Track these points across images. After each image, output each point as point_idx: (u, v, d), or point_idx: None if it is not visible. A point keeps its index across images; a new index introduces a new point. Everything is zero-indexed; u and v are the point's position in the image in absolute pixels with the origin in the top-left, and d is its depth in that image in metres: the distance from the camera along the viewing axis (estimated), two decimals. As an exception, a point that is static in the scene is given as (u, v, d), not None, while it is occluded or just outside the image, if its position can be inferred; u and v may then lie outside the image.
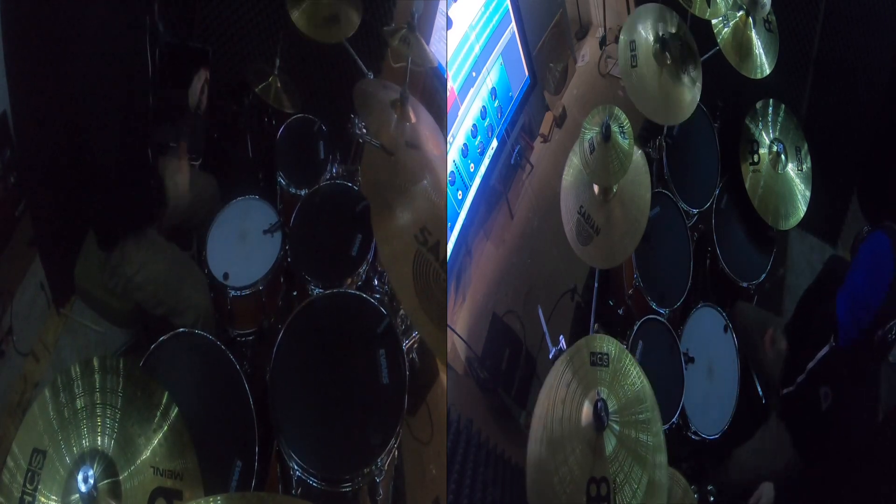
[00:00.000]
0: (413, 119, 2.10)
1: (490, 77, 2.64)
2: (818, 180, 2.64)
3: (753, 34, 2.51)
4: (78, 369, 1.36)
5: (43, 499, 1.26)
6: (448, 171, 2.36)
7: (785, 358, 2.37)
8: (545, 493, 1.32)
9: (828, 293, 2.21)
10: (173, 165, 2.16)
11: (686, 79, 2.37)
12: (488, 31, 2.62)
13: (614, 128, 2.05)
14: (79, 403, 1.33)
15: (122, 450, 1.32)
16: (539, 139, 2.96)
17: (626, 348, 2.10)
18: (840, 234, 3.07)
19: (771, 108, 2.71)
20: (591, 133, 2.08)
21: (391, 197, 1.74)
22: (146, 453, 1.34)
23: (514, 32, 2.81)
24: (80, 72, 1.86)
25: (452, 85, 2.40)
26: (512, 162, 2.79)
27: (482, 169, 2.63)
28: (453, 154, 2.43)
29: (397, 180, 1.85)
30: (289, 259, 2.32)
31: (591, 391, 1.41)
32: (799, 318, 2.50)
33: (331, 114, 2.76)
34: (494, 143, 2.70)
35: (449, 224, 2.22)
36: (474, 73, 2.53)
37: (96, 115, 1.87)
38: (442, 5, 2.65)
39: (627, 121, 2.07)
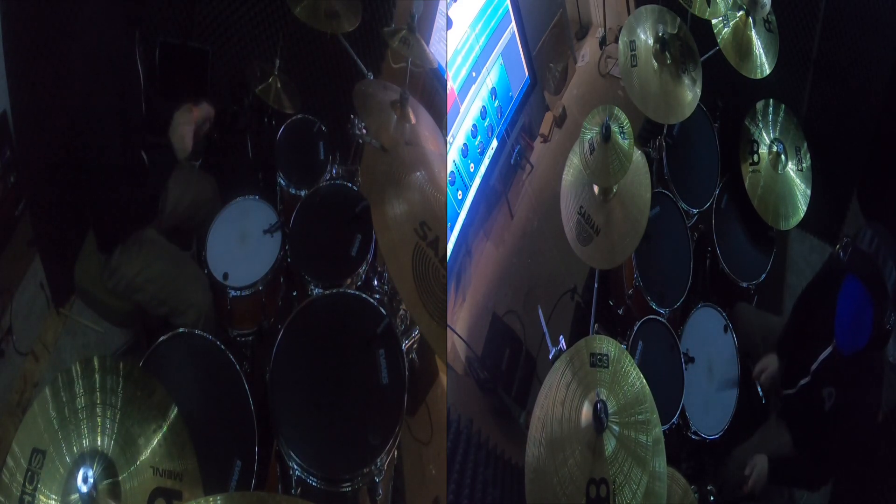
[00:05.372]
0: (413, 120, 2.10)
1: (490, 77, 2.64)
2: (818, 180, 2.64)
3: (753, 34, 2.50)
4: (78, 369, 1.35)
5: (43, 498, 1.26)
6: (448, 171, 2.36)
7: (787, 357, 2.38)
8: (545, 495, 1.32)
9: (827, 294, 2.22)
10: (183, 121, 2.11)
11: (686, 79, 2.37)
12: (488, 31, 2.62)
13: (614, 128, 2.05)
14: (79, 403, 1.33)
15: (121, 450, 1.32)
16: (539, 139, 2.96)
17: (626, 348, 2.11)
18: (840, 234, 3.06)
19: (771, 108, 2.71)
20: (591, 133, 2.09)
21: (388, 188, 1.75)
22: (146, 453, 1.34)
23: (514, 32, 2.81)
24: (78, 72, 1.87)
25: (452, 85, 2.40)
26: (512, 162, 2.79)
27: (482, 169, 2.64)
28: (453, 154, 2.43)
29: (394, 172, 1.85)
30: (289, 259, 2.32)
31: (591, 392, 1.41)
32: (798, 319, 2.49)
33: (331, 114, 2.76)
34: (494, 143, 2.70)
35: (449, 224, 2.22)
36: (474, 73, 2.53)
37: (91, 115, 1.87)
38: (442, 5, 2.65)
39: (627, 121, 2.07)
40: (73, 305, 2.29)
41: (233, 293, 2.25)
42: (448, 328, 2.21)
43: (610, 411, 1.39)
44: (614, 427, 1.39)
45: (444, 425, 2.15)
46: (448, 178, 2.37)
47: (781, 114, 2.70)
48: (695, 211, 2.68)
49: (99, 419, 1.33)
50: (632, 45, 2.33)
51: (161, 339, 1.89)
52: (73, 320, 2.29)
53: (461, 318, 2.41)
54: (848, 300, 2.11)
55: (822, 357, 2.17)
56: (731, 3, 2.49)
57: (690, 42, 2.41)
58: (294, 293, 2.40)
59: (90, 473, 1.24)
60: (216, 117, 2.46)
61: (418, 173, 1.82)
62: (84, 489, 1.23)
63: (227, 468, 1.72)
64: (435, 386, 2.30)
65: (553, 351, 1.73)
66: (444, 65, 2.47)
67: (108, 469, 1.30)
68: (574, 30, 3.23)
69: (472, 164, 2.57)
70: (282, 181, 2.57)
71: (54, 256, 2.24)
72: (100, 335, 2.29)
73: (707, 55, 2.48)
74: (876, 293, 2.04)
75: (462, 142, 2.49)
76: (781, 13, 2.64)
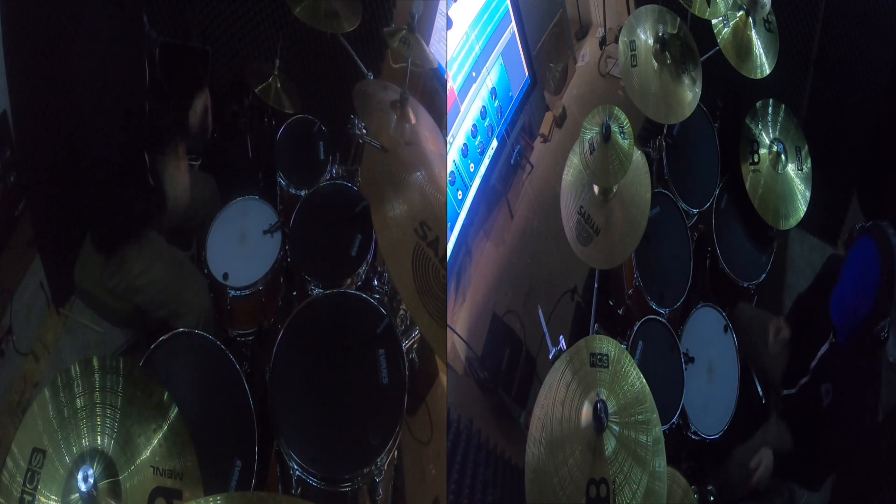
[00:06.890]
0: (413, 120, 2.10)
1: (490, 77, 2.64)
2: (818, 180, 2.64)
3: (753, 34, 2.50)
4: (78, 369, 1.36)
5: (43, 498, 1.26)
6: (448, 171, 2.36)
7: (787, 355, 2.37)
8: (545, 495, 1.32)
9: (826, 293, 2.22)
10: (173, 167, 2.16)
11: (686, 79, 2.37)
12: (488, 31, 2.62)
13: (614, 128, 2.05)
14: (79, 403, 1.33)
15: (121, 449, 1.33)
16: (539, 139, 2.96)
17: (626, 348, 2.11)
18: (840, 234, 3.06)
19: (771, 108, 2.71)
20: (591, 133, 2.09)
21: (388, 188, 1.75)
22: (146, 453, 1.34)
23: (514, 32, 2.81)
24: (79, 72, 1.87)
25: (452, 85, 2.40)
26: (512, 162, 2.79)
27: (482, 169, 2.64)
28: (453, 154, 2.43)
29: (393, 172, 1.85)
30: (289, 259, 2.32)
31: (591, 392, 1.41)
32: (797, 317, 2.50)
33: (331, 114, 2.76)
34: (494, 143, 2.70)
35: (449, 224, 2.22)
36: (474, 73, 2.53)
37: (94, 115, 1.87)
38: (442, 5, 2.65)
39: (627, 121, 2.07)
40: (73, 305, 2.29)
41: (233, 293, 2.25)
42: (448, 328, 2.21)
43: (610, 411, 1.39)
44: (614, 427, 1.39)
45: (444, 425, 2.15)
46: (448, 178, 2.37)
47: (781, 114, 2.70)
48: (695, 211, 2.67)
49: (99, 419, 1.33)
50: (632, 45, 2.33)
51: (161, 339, 1.88)
52: (73, 320, 2.29)
53: (461, 318, 2.41)
54: (857, 258, 2.08)
55: (820, 353, 2.17)
56: (731, 3, 2.49)
57: (690, 42, 2.41)
58: (294, 293, 2.40)
59: (90, 473, 1.25)
60: (216, 118, 2.47)
61: (418, 173, 1.82)
62: (84, 488, 1.23)
63: (227, 468, 1.72)
64: (435, 386, 2.29)
65: (553, 351, 1.73)
66: (444, 65, 2.47)
67: (109, 468, 1.30)
68: (574, 30, 3.23)
69: (472, 164, 2.57)
70: (282, 181, 2.56)
71: (54, 256, 2.24)
72: (100, 335, 2.29)
73: (707, 55, 2.48)
74: (886, 258, 1.99)
75: (462, 142, 2.49)
76: (781, 13, 2.64)
